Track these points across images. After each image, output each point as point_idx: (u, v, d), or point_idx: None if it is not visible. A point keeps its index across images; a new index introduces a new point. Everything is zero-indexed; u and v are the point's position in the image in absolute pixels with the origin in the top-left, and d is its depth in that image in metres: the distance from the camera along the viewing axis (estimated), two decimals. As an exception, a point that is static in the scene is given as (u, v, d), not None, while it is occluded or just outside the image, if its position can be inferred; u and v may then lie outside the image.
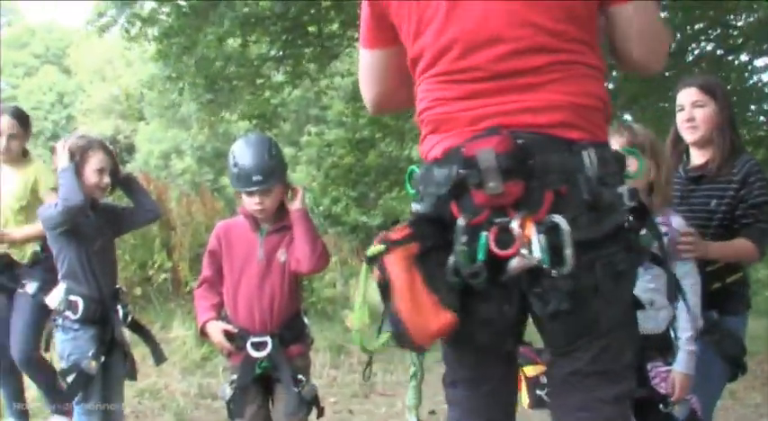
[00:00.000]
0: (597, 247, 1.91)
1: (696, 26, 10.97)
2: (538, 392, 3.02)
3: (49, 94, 34.79)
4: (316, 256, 3.52)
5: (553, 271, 1.84)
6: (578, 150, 1.91)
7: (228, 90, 11.54)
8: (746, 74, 11.82)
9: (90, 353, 3.80)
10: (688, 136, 3.26)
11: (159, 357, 4.19)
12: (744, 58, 11.99)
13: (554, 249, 1.84)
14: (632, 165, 2.18)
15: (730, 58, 11.83)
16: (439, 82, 2.05)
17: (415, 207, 2.04)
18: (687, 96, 3.25)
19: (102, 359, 3.84)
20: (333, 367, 7.41)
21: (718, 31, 11.56)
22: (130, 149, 29.96)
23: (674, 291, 2.32)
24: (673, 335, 2.85)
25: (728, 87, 10.81)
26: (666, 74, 9.78)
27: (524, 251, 1.84)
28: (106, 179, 3.95)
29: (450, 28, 2.01)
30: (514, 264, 1.86)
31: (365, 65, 2.32)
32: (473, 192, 1.89)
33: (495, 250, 1.86)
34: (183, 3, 10.35)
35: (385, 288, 1.92)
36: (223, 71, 11.02)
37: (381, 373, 7.14)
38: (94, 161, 3.89)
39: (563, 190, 1.88)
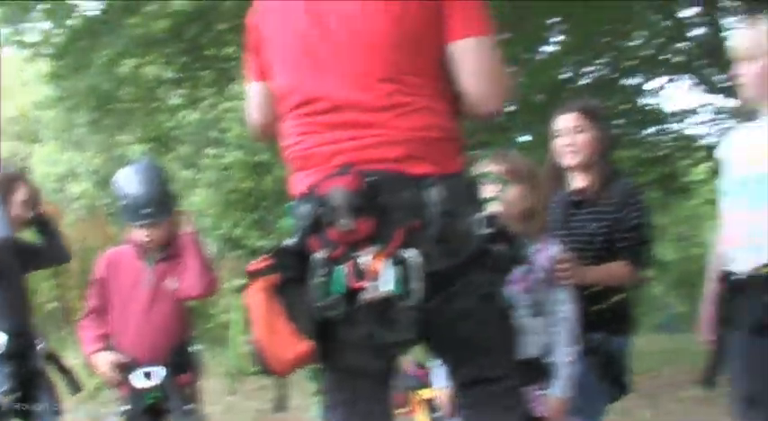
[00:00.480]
0: (457, 276, 2.03)
1: (588, 51, 11.34)
2: (434, 415, 3.04)
3: None
4: (207, 281, 3.52)
5: (401, 302, 1.95)
6: (426, 186, 2.02)
7: (123, 112, 11.33)
8: (638, 97, 12.38)
9: (3, 389, 3.63)
10: (569, 160, 3.27)
11: (75, 388, 4.02)
12: (635, 81, 12.49)
13: (408, 281, 1.95)
14: (493, 190, 2.33)
15: (623, 81, 12.33)
16: (297, 117, 2.16)
17: (287, 240, 2.11)
18: (567, 121, 3.28)
19: (20, 394, 3.68)
20: (229, 393, 7.26)
21: (613, 55, 11.99)
22: (27, 172, 29.23)
23: (543, 309, 2.40)
24: (549, 359, 2.89)
25: (618, 109, 11.28)
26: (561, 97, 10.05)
27: (373, 283, 1.95)
28: (30, 212, 3.85)
29: (299, 63, 2.15)
30: (365, 295, 1.97)
31: (250, 96, 2.40)
32: (328, 229, 1.99)
33: (350, 282, 1.96)
34: (73, 23, 10.09)
35: (248, 317, 2.03)
36: (116, 93, 10.78)
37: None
38: (21, 193, 3.80)
39: (415, 225, 1.99)
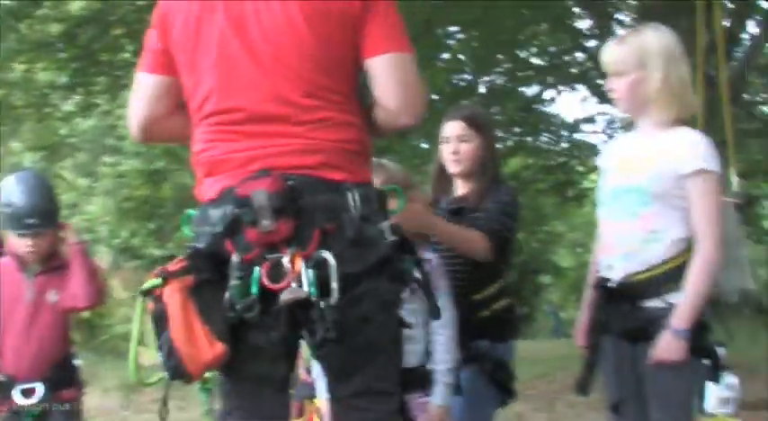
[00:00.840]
0: (364, 280, 2.06)
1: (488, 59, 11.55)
2: None
3: None
4: (94, 291, 3.45)
5: (321, 302, 1.97)
6: (343, 190, 2.07)
7: (13, 119, 11.01)
8: (535, 105, 12.59)
9: None
10: (452, 168, 3.27)
11: None
12: (532, 90, 12.74)
13: (322, 283, 1.98)
14: (392, 202, 2.34)
15: (521, 89, 12.59)
16: (210, 124, 2.15)
17: (200, 243, 2.10)
18: (453, 129, 3.27)
19: None
20: (124, 407, 7.11)
21: (511, 65, 12.26)
22: None
23: (436, 314, 2.36)
24: (430, 367, 2.90)
25: (516, 117, 11.54)
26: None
27: (294, 285, 1.96)
28: None
29: (217, 71, 2.12)
30: (284, 296, 1.97)
31: (140, 88, 2.31)
32: (246, 230, 2.00)
33: (267, 284, 1.98)
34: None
35: (160, 319, 2.00)
36: (6, 98, 10.49)
37: (176, 411, 6.79)
38: None
39: (330, 228, 2.03)
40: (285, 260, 1.98)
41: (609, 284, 2.68)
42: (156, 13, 2.27)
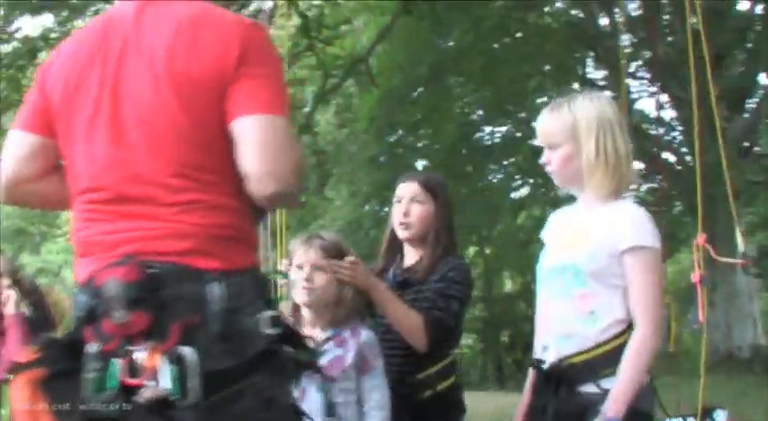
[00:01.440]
0: (242, 376, 1.87)
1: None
2: None
3: None
4: None
5: (178, 402, 1.78)
6: (209, 280, 1.87)
7: None
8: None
9: None
10: (401, 233, 3.04)
11: None
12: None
13: (184, 380, 1.80)
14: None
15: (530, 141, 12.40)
16: (83, 202, 2.01)
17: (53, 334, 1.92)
18: (405, 190, 3.07)
19: None
20: None
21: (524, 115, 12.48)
22: None
23: (332, 410, 2.30)
24: None
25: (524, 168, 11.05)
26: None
27: (152, 382, 1.78)
28: None
29: (85, 147, 1.97)
30: (145, 394, 1.79)
31: (11, 144, 2.11)
32: (103, 321, 1.83)
33: (125, 378, 1.80)
34: None
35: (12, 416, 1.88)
36: None
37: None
38: None
39: (195, 320, 1.84)
40: (141, 355, 1.80)
41: (542, 367, 2.55)
42: (39, 69, 2.15)
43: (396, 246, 3.11)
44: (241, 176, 1.91)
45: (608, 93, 11.78)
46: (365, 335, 2.79)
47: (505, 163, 13.36)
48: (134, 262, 1.83)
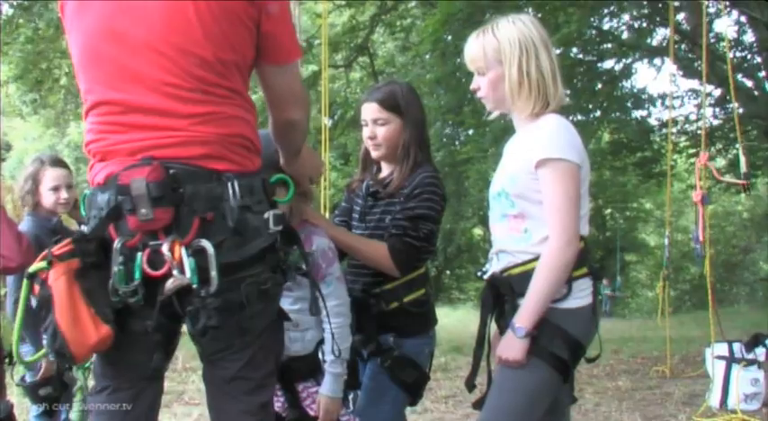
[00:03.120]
0: (244, 268, 2.08)
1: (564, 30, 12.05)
2: None
3: None
4: (23, 249, 3.16)
5: (201, 290, 1.99)
6: (224, 181, 2.07)
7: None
8: (618, 80, 13.35)
9: None
10: (373, 152, 3.05)
11: None
12: (614, 64, 13.29)
13: (202, 271, 2.00)
14: (281, 193, 2.43)
15: (601, 65, 13.42)
16: (98, 114, 2.16)
17: (83, 228, 2.16)
18: (367, 112, 3.01)
19: None
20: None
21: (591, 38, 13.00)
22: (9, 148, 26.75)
23: (317, 306, 2.38)
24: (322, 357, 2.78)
25: (597, 92, 14.07)
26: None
27: (176, 272, 1.98)
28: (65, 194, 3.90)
29: (102, 60, 2.13)
30: (169, 284, 2.00)
31: None
32: (127, 217, 2.01)
33: (147, 270, 2.00)
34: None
35: (45, 302, 2.00)
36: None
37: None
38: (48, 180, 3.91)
39: (209, 216, 2.04)
40: (164, 248, 1.98)
41: (484, 277, 2.66)
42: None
43: (369, 161, 3.15)
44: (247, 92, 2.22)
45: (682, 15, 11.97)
46: (317, 241, 2.78)
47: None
48: (156, 163, 2.01)
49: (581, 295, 2.44)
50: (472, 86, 2.61)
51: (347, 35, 14.23)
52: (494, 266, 2.60)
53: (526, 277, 2.41)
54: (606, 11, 12.74)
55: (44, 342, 2.05)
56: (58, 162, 3.96)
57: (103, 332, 1.98)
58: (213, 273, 1.99)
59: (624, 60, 13.60)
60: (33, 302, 2.05)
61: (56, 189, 3.82)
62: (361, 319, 2.93)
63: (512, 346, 2.40)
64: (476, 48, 2.54)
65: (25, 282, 2.05)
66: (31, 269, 2.01)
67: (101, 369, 2.24)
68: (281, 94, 2.29)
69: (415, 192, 2.90)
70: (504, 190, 2.53)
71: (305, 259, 2.32)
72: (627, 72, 13.86)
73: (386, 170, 3.07)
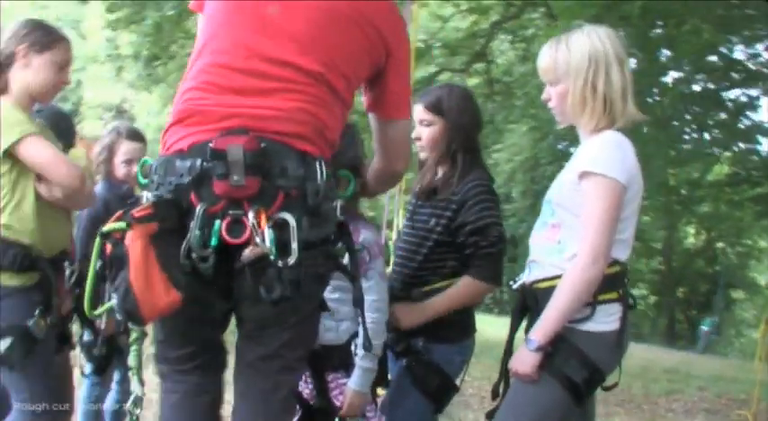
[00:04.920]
0: (308, 249, 2.10)
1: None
2: None
3: None
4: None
5: (280, 261, 2.03)
6: (311, 161, 2.12)
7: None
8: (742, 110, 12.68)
9: None
10: (420, 154, 3.09)
11: None
12: (737, 94, 12.77)
13: (280, 243, 2.03)
14: (342, 187, 2.42)
15: (725, 94, 12.79)
16: (202, 68, 2.21)
17: (148, 195, 2.16)
18: (416, 114, 3.01)
19: None
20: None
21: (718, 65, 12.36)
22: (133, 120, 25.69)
23: (359, 302, 2.37)
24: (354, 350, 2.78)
25: (717, 121, 13.48)
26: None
27: (258, 240, 2.01)
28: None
29: (229, 18, 2.22)
30: (248, 252, 2.05)
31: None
32: (215, 183, 2.03)
33: (227, 237, 2.02)
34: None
35: (118, 261, 2.03)
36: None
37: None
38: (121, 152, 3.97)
39: (293, 193, 2.08)
40: (251, 216, 2.01)
41: (515, 287, 2.64)
42: None
43: (422, 163, 3.15)
44: (348, 107, 2.30)
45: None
46: (365, 235, 2.80)
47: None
48: (252, 134, 2.06)
49: (607, 320, 2.39)
50: (543, 96, 2.59)
51: (468, 40, 14.16)
52: (525, 276, 2.57)
53: (552, 292, 2.37)
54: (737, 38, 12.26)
55: (113, 300, 2.06)
56: (134, 135, 4.03)
57: (173, 296, 2.02)
58: (294, 245, 2.02)
59: (749, 91, 13.10)
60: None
61: (129, 162, 3.89)
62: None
63: (523, 359, 2.39)
64: (547, 58, 2.52)
65: (98, 239, 2.08)
66: (106, 228, 2.05)
67: (164, 335, 2.31)
68: (389, 146, 2.48)
69: (469, 204, 2.90)
70: (549, 196, 2.53)
71: (351, 254, 2.32)
72: (753, 104, 13.34)
73: (439, 172, 3.07)
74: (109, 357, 3.69)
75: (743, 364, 14.93)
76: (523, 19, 13.58)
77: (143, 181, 2.23)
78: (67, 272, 3.00)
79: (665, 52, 11.94)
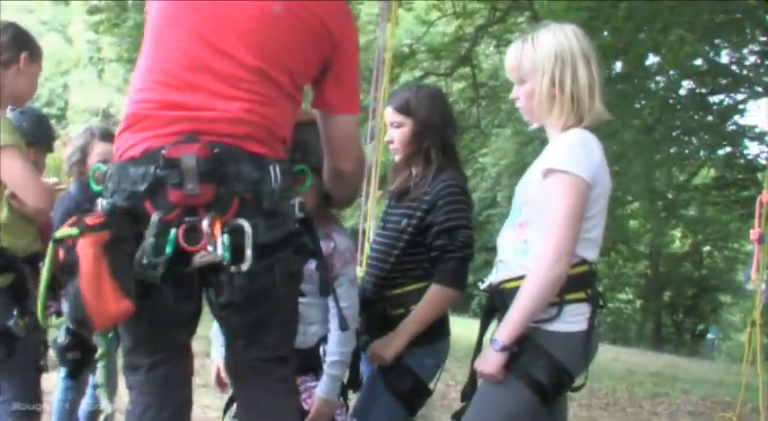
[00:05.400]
0: (275, 251, 2.13)
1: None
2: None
3: (48, 61, 29.86)
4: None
5: (233, 267, 2.04)
6: (264, 163, 2.10)
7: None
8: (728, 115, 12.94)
9: None
10: (395, 157, 3.06)
11: None
12: (723, 98, 12.98)
13: (236, 249, 2.02)
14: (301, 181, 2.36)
15: (712, 98, 13.06)
16: (147, 72, 2.18)
17: (102, 202, 2.13)
18: (387, 117, 3.06)
19: None
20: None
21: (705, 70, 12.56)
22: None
23: (325, 290, 2.37)
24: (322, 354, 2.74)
25: (704, 124, 13.53)
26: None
27: (210, 248, 2.00)
28: None
29: (170, 24, 2.18)
30: (198, 258, 2.03)
31: None
32: (169, 191, 2.02)
33: (183, 245, 2.01)
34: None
35: (69, 269, 2.00)
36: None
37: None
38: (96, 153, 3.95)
39: (248, 197, 2.06)
40: (205, 223, 2.00)
41: (482, 287, 2.61)
42: None
43: (397, 165, 3.10)
44: (298, 102, 2.27)
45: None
46: (338, 240, 2.78)
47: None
48: (204, 141, 2.02)
49: (573, 320, 2.33)
50: (511, 96, 2.55)
51: (452, 44, 14.21)
52: (492, 276, 2.52)
53: (516, 293, 2.32)
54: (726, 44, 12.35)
55: (63, 308, 2.03)
56: (108, 136, 3.95)
57: (123, 306, 1.99)
58: (248, 252, 2.02)
59: (735, 95, 13.19)
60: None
61: (103, 163, 3.60)
62: (367, 320, 2.93)
63: (488, 359, 2.33)
64: (514, 57, 2.48)
65: (51, 245, 2.04)
66: (59, 234, 2.01)
67: (130, 344, 2.28)
68: (334, 143, 2.42)
69: (439, 204, 2.85)
70: (516, 195, 2.50)
71: (317, 245, 2.32)
72: (738, 107, 13.41)
73: (413, 172, 3.02)
74: (83, 361, 3.61)
75: (729, 367, 15.12)
76: (508, 23, 13.62)
77: (96, 188, 2.19)
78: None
79: (652, 58, 12.05)
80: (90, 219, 1.99)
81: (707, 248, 25.77)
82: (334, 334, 2.67)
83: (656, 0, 9.63)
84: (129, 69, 13.12)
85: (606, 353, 14.97)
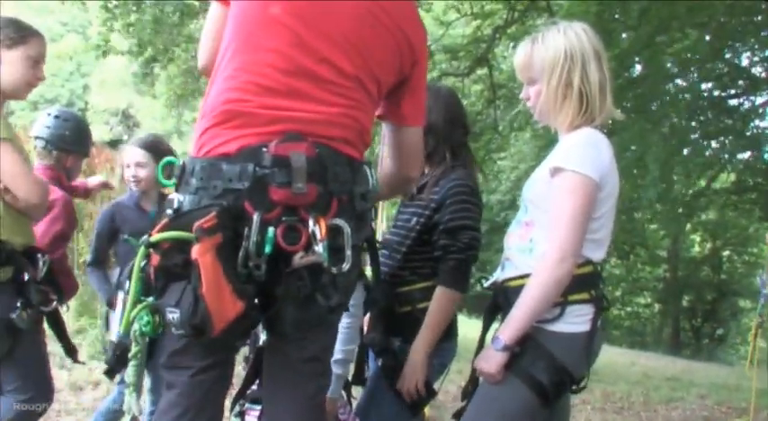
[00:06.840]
0: (359, 253, 2.19)
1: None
2: None
3: (69, 62, 35.16)
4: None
5: (333, 268, 2.03)
6: (357, 166, 2.15)
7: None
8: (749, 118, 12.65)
9: None
10: None
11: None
12: (742, 101, 12.78)
13: (333, 249, 2.02)
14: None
15: (731, 102, 12.79)
16: (238, 71, 2.12)
17: (179, 198, 2.08)
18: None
19: None
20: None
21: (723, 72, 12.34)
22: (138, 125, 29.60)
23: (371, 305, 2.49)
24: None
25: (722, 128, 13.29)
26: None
27: (316, 248, 1.99)
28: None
29: (262, 23, 2.13)
30: (299, 258, 2.02)
31: (208, 17, 2.36)
32: (273, 189, 1.98)
33: (283, 245, 1.99)
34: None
35: (168, 274, 2.00)
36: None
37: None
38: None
39: (344, 198, 2.09)
40: (311, 223, 1.98)
41: (486, 285, 2.60)
42: None
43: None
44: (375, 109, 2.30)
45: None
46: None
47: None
48: (309, 140, 2.03)
49: (576, 321, 2.31)
50: (522, 95, 2.54)
51: (470, 45, 14.12)
52: (498, 274, 2.51)
53: (521, 291, 2.30)
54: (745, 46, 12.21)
55: (170, 315, 1.99)
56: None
57: (239, 307, 1.99)
58: (349, 252, 2.04)
59: (755, 98, 13.03)
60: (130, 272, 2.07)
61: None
62: (375, 317, 2.96)
63: (488, 358, 2.32)
64: (523, 56, 2.46)
65: (142, 249, 2.02)
66: (155, 238, 1.99)
67: (179, 343, 2.19)
68: (405, 153, 2.46)
69: (446, 203, 2.86)
70: (524, 194, 2.49)
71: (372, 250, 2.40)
72: (758, 111, 13.25)
73: (425, 172, 3.04)
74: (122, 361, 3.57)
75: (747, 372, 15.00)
76: (527, 24, 13.50)
77: (166, 182, 2.19)
78: (40, 263, 3.02)
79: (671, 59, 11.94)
80: (204, 223, 1.95)
81: (726, 253, 25.52)
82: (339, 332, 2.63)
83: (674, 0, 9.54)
84: (144, 66, 12.99)
85: (623, 357, 15.03)
